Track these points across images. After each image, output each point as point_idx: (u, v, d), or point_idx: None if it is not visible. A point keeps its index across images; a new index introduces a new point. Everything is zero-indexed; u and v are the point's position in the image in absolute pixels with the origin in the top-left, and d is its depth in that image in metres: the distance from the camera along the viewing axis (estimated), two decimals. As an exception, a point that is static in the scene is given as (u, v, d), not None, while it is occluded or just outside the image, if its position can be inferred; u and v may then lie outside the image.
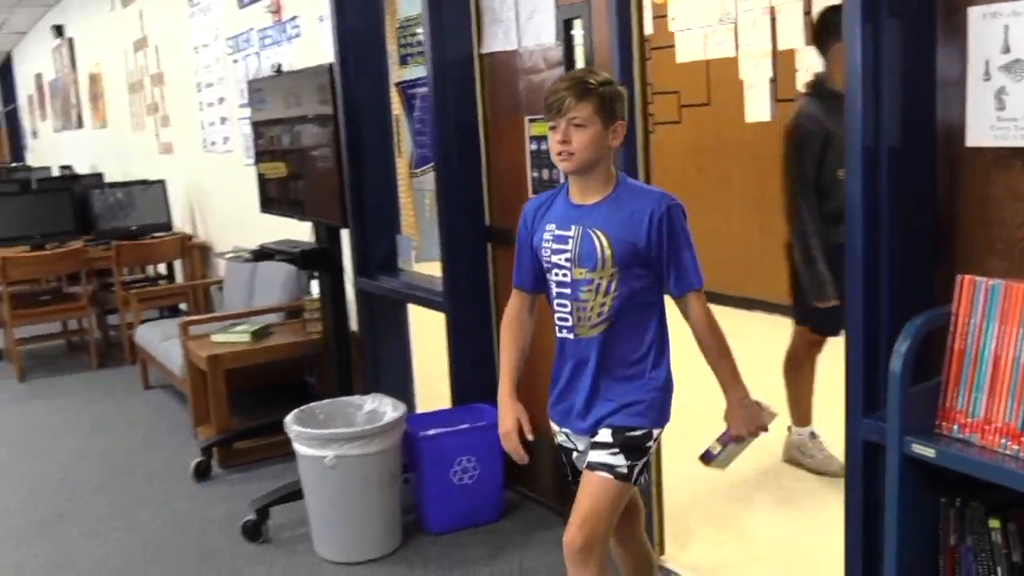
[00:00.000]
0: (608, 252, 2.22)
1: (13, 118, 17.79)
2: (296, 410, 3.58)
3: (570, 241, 2.27)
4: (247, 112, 5.19)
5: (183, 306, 7.03)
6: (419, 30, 3.98)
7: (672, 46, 5.65)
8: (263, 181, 4.49)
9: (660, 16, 5.76)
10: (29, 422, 5.47)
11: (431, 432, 3.54)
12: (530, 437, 2.37)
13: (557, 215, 2.33)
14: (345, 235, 4.25)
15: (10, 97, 17.71)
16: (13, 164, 15.05)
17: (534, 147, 3.46)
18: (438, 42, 3.68)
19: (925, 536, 2.00)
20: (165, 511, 4.04)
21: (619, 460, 2.27)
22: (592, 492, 2.29)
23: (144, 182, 7.36)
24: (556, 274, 2.31)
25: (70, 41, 11.00)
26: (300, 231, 4.36)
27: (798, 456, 3.87)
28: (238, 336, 4.65)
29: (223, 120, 6.30)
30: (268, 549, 3.60)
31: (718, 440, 2.34)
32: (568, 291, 2.29)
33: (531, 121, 3.48)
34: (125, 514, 4.04)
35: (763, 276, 6.54)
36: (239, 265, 5.41)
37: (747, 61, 5.22)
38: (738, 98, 5.34)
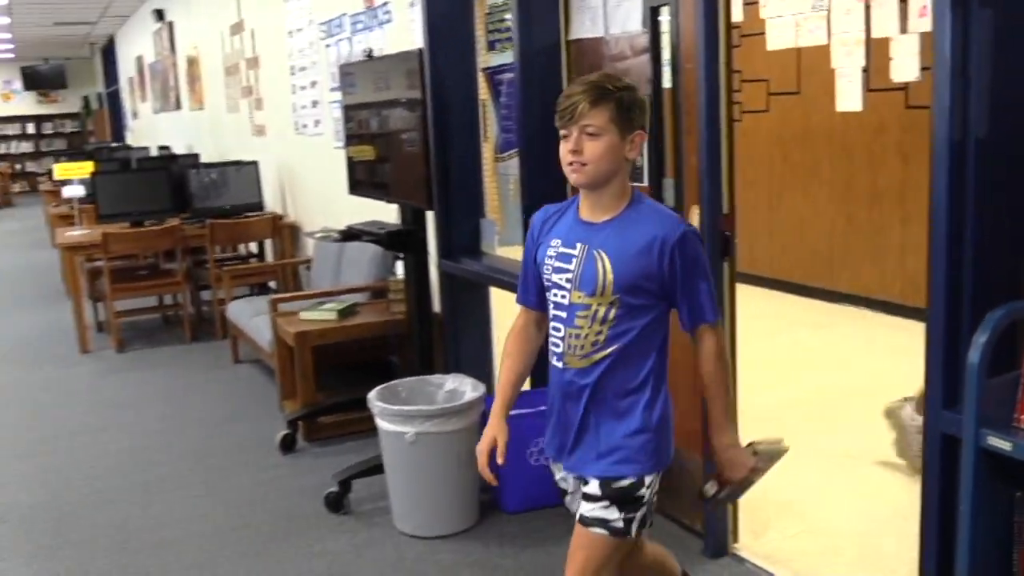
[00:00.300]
0: (609, 277, 2.05)
1: (115, 99, 18.41)
2: (379, 387, 3.67)
3: (573, 261, 2.10)
4: (338, 96, 5.30)
5: (273, 284, 7.21)
6: (507, 16, 4.03)
7: (763, 33, 5.59)
8: (352, 164, 4.58)
9: (751, 3, 5.69)
10: (126, 391, 5.70)
11: (509, 413, 3.58)
12: (500, 461, 2.24)
13: (564, 230, 2.15)
14: (430, 217, 4.33)
15: (112, 79, 18.33)
16: (114, 144, 15.61)
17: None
18: (526, 28, 3.72)
19: (1000, 530, 1.98)
20: (251, 480, 4.18)
21: (613, 514, 2.11)
22: (586, 547, 2.15)
23: (238, 163, 7.57)
24: (555, 294, 2.15)
25: (170, 25, 11.33)
26: (387, 213, 4.45)
27: (896, 429, 3.74)
28: (325, 314, 4.76)
29: (314, 103, 6.44)
30: (349, 520, 3.71)
31: (715, 481, 2.21)
32: (564, 315, 2.13)
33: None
34: (213, 481, 4.20)
35: (849, 269, 6.45)
36: (327, 245, 5.53)
37: (839, 49, 5.11)
38: (829, 87, 5.25)
